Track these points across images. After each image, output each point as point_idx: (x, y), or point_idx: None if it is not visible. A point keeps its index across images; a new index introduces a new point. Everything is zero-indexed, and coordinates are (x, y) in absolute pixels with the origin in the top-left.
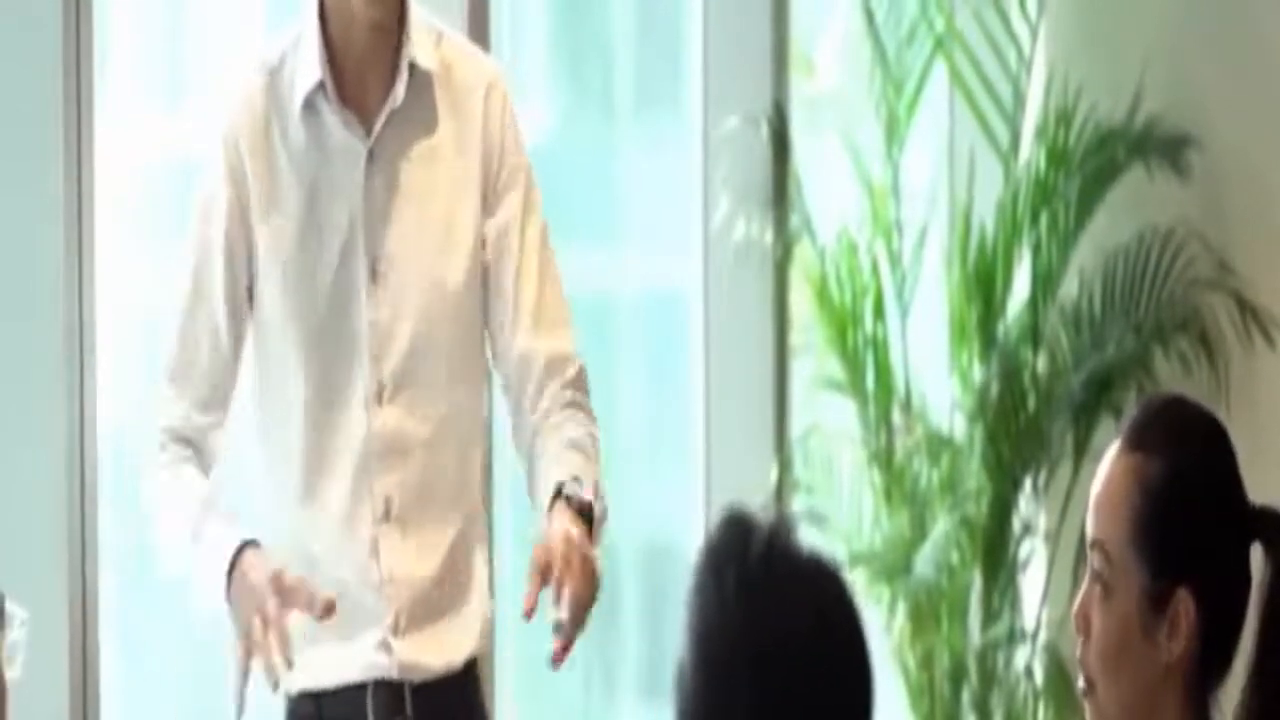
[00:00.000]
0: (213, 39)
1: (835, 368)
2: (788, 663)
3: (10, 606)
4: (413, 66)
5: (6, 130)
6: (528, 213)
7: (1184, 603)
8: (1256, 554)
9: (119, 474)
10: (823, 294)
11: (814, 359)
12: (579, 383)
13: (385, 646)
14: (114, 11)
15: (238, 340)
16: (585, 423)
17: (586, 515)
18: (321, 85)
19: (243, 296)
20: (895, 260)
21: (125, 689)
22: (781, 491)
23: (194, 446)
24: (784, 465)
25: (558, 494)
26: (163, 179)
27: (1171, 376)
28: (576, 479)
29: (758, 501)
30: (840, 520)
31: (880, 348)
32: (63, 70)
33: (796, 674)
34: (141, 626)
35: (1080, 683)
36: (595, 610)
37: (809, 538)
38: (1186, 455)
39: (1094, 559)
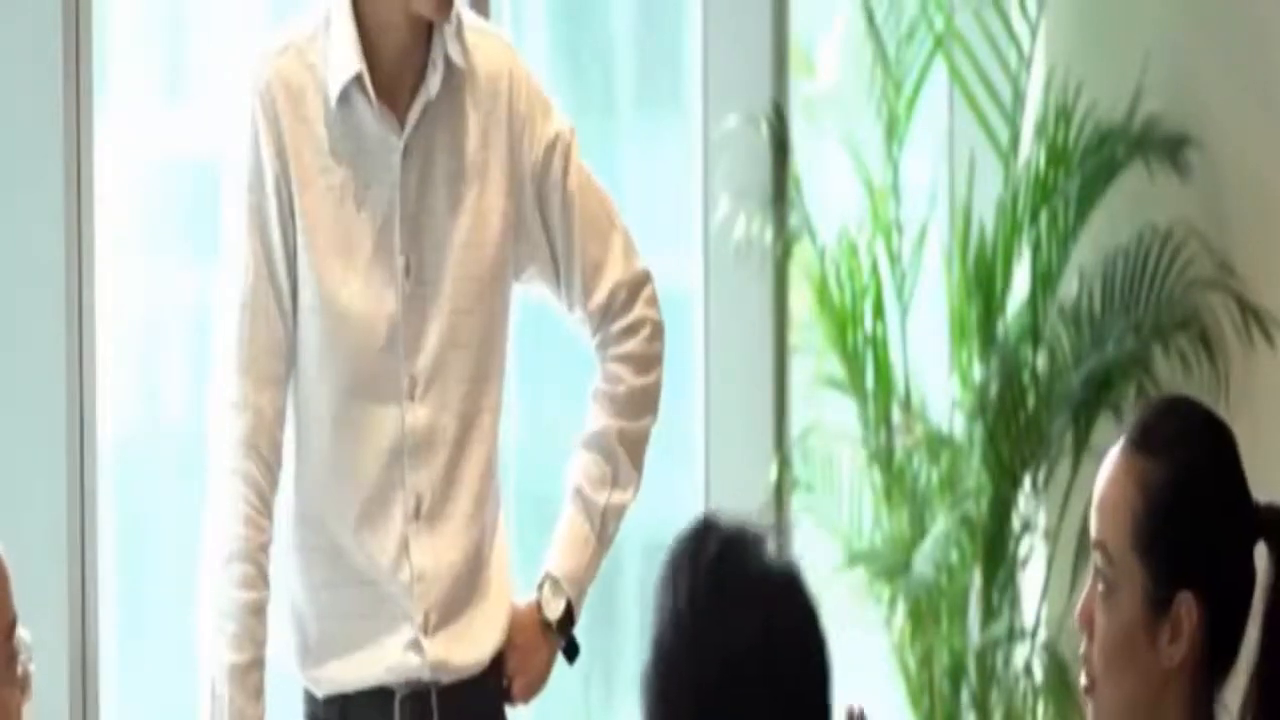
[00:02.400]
0: (214, 35)
1: (835, 367)
2: (730, 677)
3: (21, 631)
4: (446, 60)
5: (6, 130)
6: (567, 183)
7: (1186, 606)
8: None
9: (120, 475)
10: (823, 293)
11: (814, 358)
12: (628, 307)
13: (416, 646)
14: (114, 9)
15: (295, 309)
16: (628, 379)
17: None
18: (358, 78)
19: (293, 265)
20: (895, 259)
21: (125, 692)
22: (781, 490)
23: (265, 465)
24: (784, 464)
25: (541, 584)
26: (164, 176)
27: (1171, 376)
28: (556, 582)
29: (757, 499)
30: (840, 519)
31: (880, 347)
32: (63, 69)
33: (740, 688)
34: (141, 629)
35: (1082, 679)
36: (594, 609)
37: (768, 547)
38: (1189, 460)
39: (1097, 559)
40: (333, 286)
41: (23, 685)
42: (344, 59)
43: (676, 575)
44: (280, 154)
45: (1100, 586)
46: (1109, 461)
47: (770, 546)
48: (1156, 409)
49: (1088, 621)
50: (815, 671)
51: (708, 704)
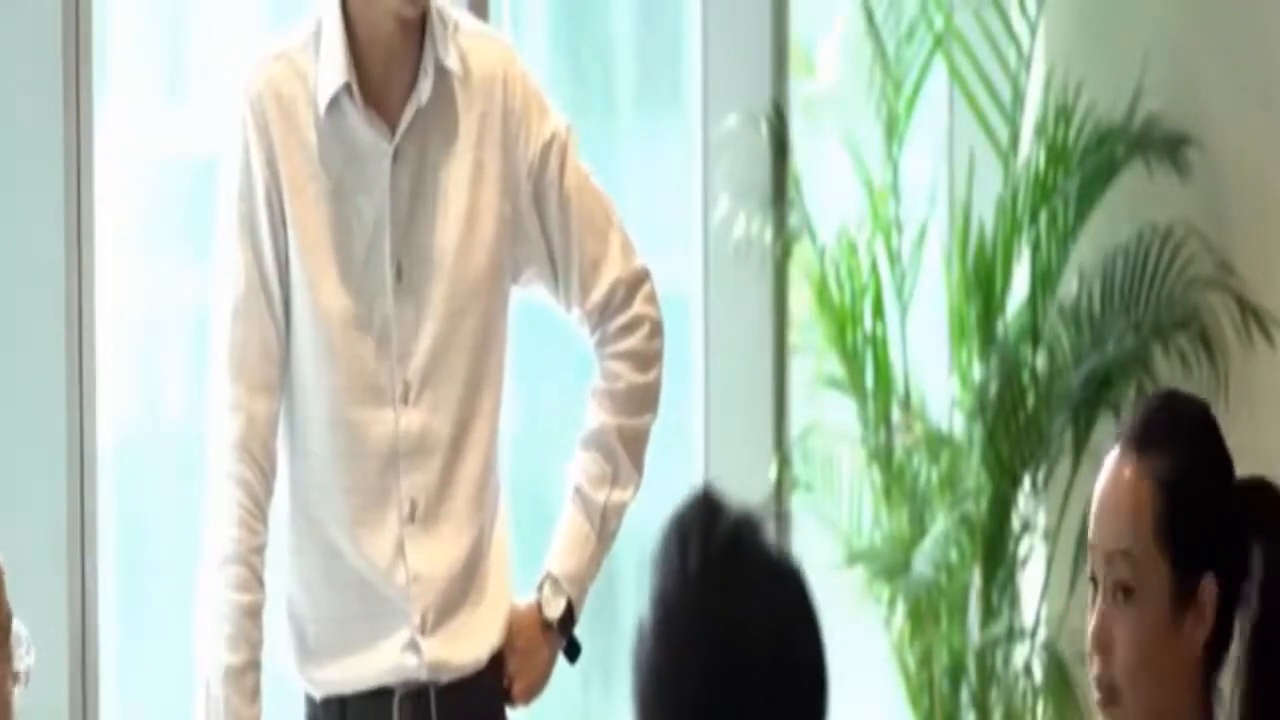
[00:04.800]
0: (214, 35)
1: (835, 366)
2: (739, 645)
3: (17, 626)
4: (437, 65)
5: (6, 130)
6: (564, 182)
7: (1207, 589)
8: None
9: (120, 475)
10: (822, 292)
11: (813, 357)
12: (627, 304)
13: (413, 647)
14: (114, 9)
15: (287, 315)
16: (627, 376)
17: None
18: (348, 86)
19: (285, 272)
20: (895, 259)
21: (125, 692)
22: (781, 490)
23: (258, 468)
24: (783, 463)
25: (541, 584)
26: (164, 176)
27: (1171, 375)
28: (556, 581)
29: (757, 499)
30: (840, 519)
31: (880, 346)
32: (63, 69)
33: (747, 657)
34: (141, 629)
35: (1096, 698)
36: (594, 609)
37: (777, 537)
38: (1193, 445)
39: (1116, 568)
40: (325, 292)
41: (20, 678)
42: (333, 67)
43: (687, 539)
44: (271, 162)
45: (1119, 597)
46: (1112, 471)
47: (774, 535)
48: (1149, 408)
49: (1105, 640)
50: (814, 655)
51: (712, 668)
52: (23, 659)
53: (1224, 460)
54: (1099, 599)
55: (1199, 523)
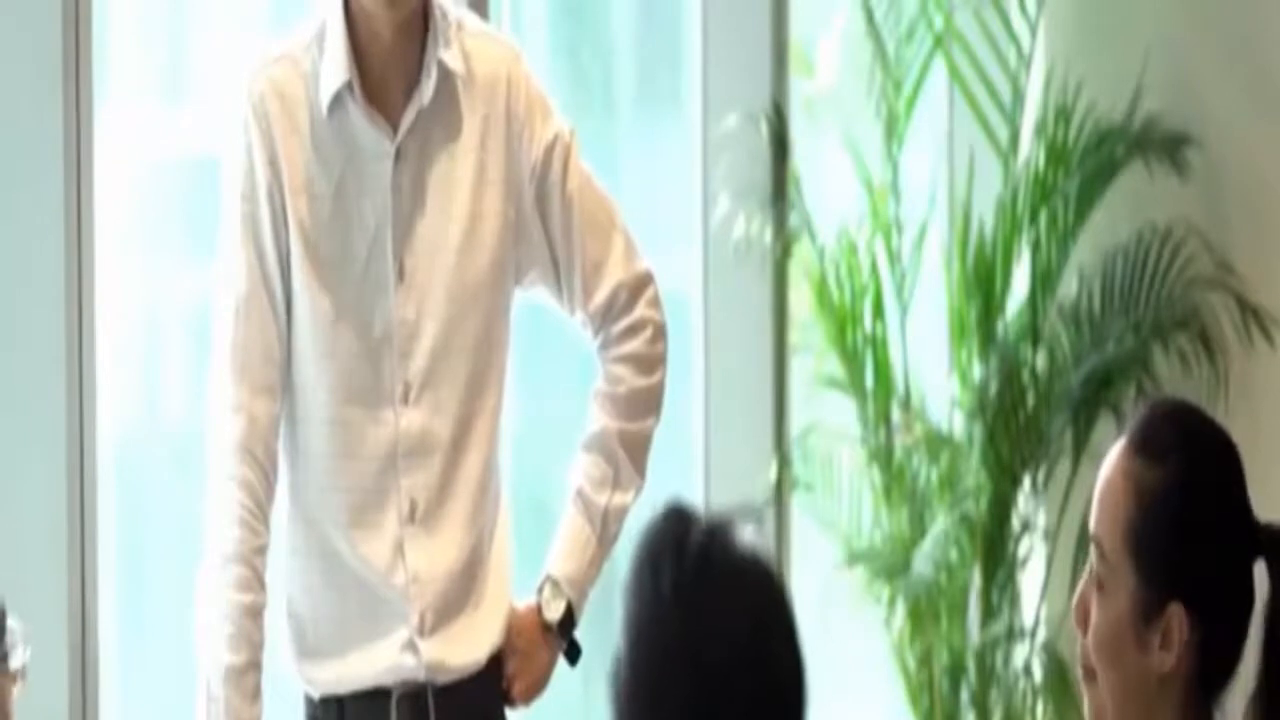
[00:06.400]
0: (214, 35)
1: (835, 366)
2: (721, 663)
3: (12, 623)
4: (440, 66)
5: (6, 130)
6: (566, 184)
7: (1176, 617)
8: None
9: (120, 475)
10: (822, 292)
11: (813, 357)
12: (630, 308)
13: (412, 647)
14: (114, 9)
15: (289, 316)
16: (629, 380)
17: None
18: (349, 85)
19: (286, 272)
20: (895, 258)
21: (125, 692)
22: (781, 490)
23: (260, 469)
24: (783, 463)
25: (542, 586)
26: (164, 176)
27: (1171, 375)
28: (556, 584)
29: (757, 499)
30: (840, 519)
31: (880, 346)
32: (63, 69)
33: (729, 674)
34: (141, 629)
35: (1080, 673)
36: (594, 609)
37: (746, 535)
38: (1186, 471)
39: (1093, 552)
40: (326, 292)
41: (18, 674)
42: (335, 67)
43: (659, 562)
44: (273, 162)
45: (1095, 581)
46: (1110, 461)
47: (744, 533)
48: (1161, 412)
49: (1082, 614)
50: (794, 654)
51: (694, 686)
52: (19, 656)
53: (1223, 497)
54: (1087, 570)
55: (1171, 548)
